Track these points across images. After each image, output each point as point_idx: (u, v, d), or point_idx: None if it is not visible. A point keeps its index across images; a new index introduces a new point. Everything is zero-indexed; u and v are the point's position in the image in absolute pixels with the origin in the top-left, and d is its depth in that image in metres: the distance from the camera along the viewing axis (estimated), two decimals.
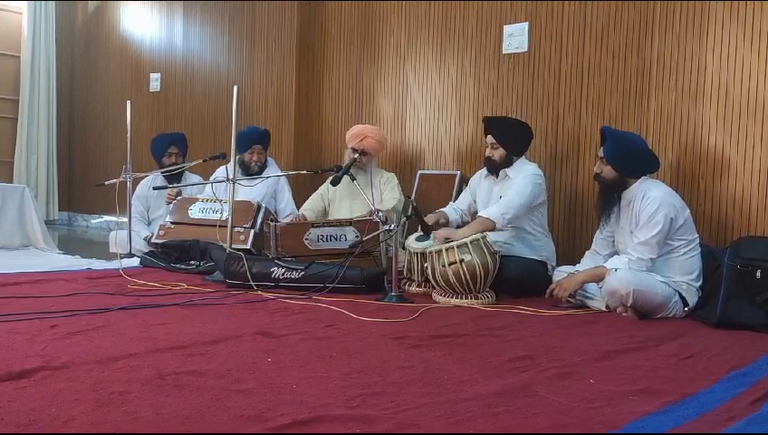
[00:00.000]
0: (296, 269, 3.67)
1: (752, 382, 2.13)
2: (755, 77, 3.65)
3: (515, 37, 4.55)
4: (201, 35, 6.52)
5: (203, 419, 1.64)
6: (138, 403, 1.73)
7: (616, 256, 3.40)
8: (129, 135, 5.03)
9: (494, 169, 3.94)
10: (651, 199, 3.27)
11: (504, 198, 3.77)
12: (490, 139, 3.94)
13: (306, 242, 3.99)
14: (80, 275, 4.06)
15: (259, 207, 4.51)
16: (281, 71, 5.81)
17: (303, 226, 4.08)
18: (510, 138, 3.91)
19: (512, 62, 4.58)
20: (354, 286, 3.58)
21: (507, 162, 3.90)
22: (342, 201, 4.61)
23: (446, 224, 3.96)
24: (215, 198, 4.58)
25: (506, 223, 3.70)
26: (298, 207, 4.85)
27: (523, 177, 3.80)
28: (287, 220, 4.58)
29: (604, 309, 3.32)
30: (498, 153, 3.91)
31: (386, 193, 4.50)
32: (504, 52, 4.61)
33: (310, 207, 4.68)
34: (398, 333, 2.67)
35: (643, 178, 3.40)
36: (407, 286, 3.80)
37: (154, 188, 5.00)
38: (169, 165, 5.09)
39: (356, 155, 4.25)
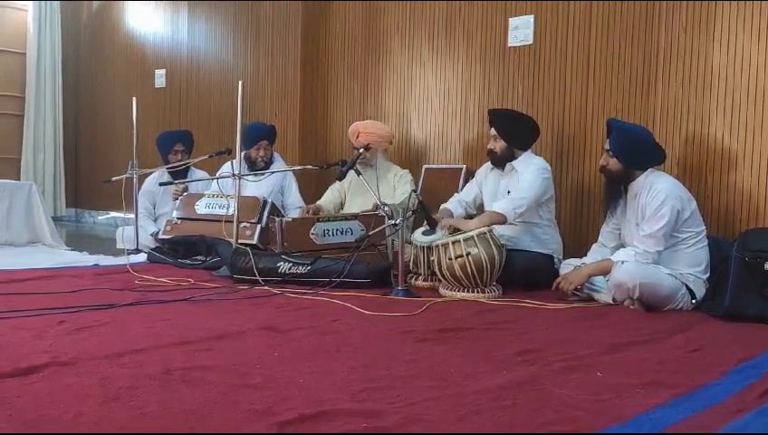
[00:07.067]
0: (302, 264, 3.68)
1: (760, 374, 2.12)
2: (762, 69, 3.62)
3: (521, 30, 4.53)
4: (206, 31, 6.52)
5: (210, 414, 1.65)
6: (145, 399, 1.74)
7: (622, 249, 3.38)
8: (134, 131, 5.04)
9: (496, 161, 3.94)
10: (657, 192, 3.26)
11: (515, 192, 3.76)
12: (493, 131, 3.94)
13: (312, 237, 3.99)
14: (87, 271, 4.07)
15: (265, 202, 4.51)
16: (285, 66, 5.80)
17: (309, 221, 4.09)
18: (511, 130, 3.90)
19: (517, 55, 4.56)
20: (360, 281, 3.58)
21: (509, 155, 3.89)
22: (354, 196, 4.66)
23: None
24: (221, 193, 4.59)
25: (517, 217, 3.70)
26: (306, 202, 4.88)
27: (532, 171, 3.79)
28: (294, 215, 4.60)
29: (611, 302, 3.31)
30: (499, 145, 3.90)
31: (398, 189, 4.54)
32: (509, 45, 4.59)
33: (329, 199, 4.75)
34: (405, 328, 2.67)
35: (649, 170, 3.38)
36: (413, 281, 3.79)
37: (160, 184, 5.01)
38: (175, 162, 5.09)
39: (361, 150, 4.24)
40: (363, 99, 5.44)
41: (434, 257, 3.55)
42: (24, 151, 7.55)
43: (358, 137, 4.52)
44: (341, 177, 3.95)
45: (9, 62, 7.51)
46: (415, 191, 3.79)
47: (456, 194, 4.22)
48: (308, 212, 4.51)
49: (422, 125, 5.09)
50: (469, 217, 4.01)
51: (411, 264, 3.82)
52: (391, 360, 2.19)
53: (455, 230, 3.64)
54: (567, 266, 3.62)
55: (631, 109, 4.06)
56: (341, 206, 4.76)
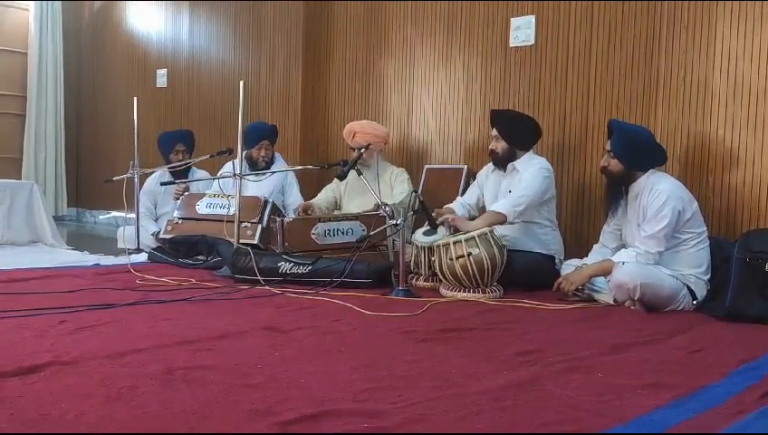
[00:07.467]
0: (303, 264, 3.68)
1: (761, 376, 2.12)
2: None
3: (522, 30, 4.53)
4: (207, 31, 6.52)
5: (211, 414, 1.65)
6: (146, 398, 1.74)
7: (623, 250, 3.38)
8: (136, 131, 5.04)
9: (497, 161, 3.95)
10: (659, 193, 3.26)
11: (515, 191, 3.76)
12: (494, 131, 3.94)
13: (313, 237, 3.99)
14: (88, 270, 4.08)
15: (266, 202, 4.51)
16: (287, 65, 5.81)
17: (310, 221, 4.09)
18: (512, 131, 3.90)
19: (518, 55, 4.56)
20: (361, 281, 3.58)
21: (510, 155, 3.90)
22: (352, 197, 4.64)
23: None
24: (222, 193, 4.59)
25: (517, 217, 3.70)
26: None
27: (533, 171, 3.79)
28: (294, 215, 4.59)
29: (612, 302, 3.31)
30: (501, 146, 3.91)
31: (396, 188, 4.53)
32: (510, 45, 4.59)
33: (322, 198, 4.74)
34: (406, 328, 2.67)
35: (650, 171, 3.38)
36: (414, 281, 3.79)
37: (161, 184, 5.01)
38: (176, 162, 5.09)
39: (363, 150, 4.24)
40: (364, 99, 5.44)
41: (435, 258, 3.55)
42: (25, 151, 7.55)
43: (354, 137, 4.51)
44: (343, 176, 3.95)
45: (10, 61, 7.52)
46: (416, 191, 3.79)
47: (458, 197, 4.22)
48: (299, 211, 4.49)
49: (423, 125, 5.09)
50: (471, 218, 4.00)
51: (412, 264, 3.82)
52: (392, 360, 2.20)
53: (456, 230, 3.64)
54: (568, 267, 3.62)
55: (633, 109, 4.06)
56: (336, 206, 4.75)
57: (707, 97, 3.80)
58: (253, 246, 4.08)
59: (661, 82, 3.97)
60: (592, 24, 4.23)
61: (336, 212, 4.66)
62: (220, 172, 4.95)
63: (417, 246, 3.75)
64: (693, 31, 3.85)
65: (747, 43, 3.66)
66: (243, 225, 4.24)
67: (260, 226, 4.37)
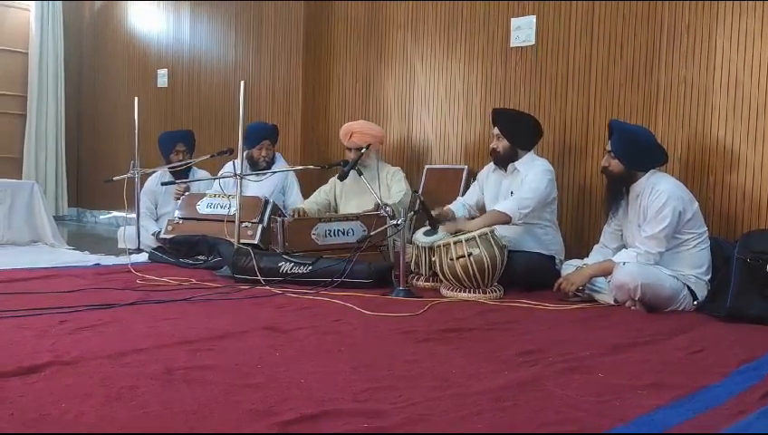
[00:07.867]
0: (304, 264, 3.68)
1: (762, 376, 2.12)
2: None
3: (523, 30, 4.53)
4: (208, 31, 6.52)
5: (211, 414, 1.65)
6: (146, 398, 1.74)
7: (624, 250, 3.38)
8: (136, 131, 5.04)
9: (499, 160, 3.94)
10: (659, 193, 3.26)
11: (519, 192, 3.75)
12: (495, 130, 3.94)
13: (314, 237, 3.99)
14: (88, 270, 4.08)
15: (267, 202, 4.51)
16: (287, 66, 5.81)
17: (311, 221, 4.09)
18: (514, 130, 3.90)
19: (519, 55, 4.56)
20: (362, 281, 3.58)
21: (511, 155, 3.89)
22: (350, 198, 4.62)
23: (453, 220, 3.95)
24: (223, 193, 4.59)
25: (522, 218, 3.69)
26: None
27: (536, 173, 3.78)
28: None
29: (612, 303, 3.30)
30: (502, 145, 3.90)
31: (393, 187, 4.52)
32: (511, 45, 4.59)
33: (313, 201, 4.69)
34: (406, 328, 2.67)
35: (651, 171, 3.38)
36: (414, 281, 3.79)
37: (162, 184, 5.01)
38: (177, 162, 5.09)
39: (363, 150, 4.24)
40: (365, 99, 5.44)
41: (435, 258, 3.55)
42: (25, 151, 7.56)
43: (351, 137, 4.49)
44: (344, 176, 3.95)
45: (11, 61, 7.52)
46: (416, 192, 3.79)
47: (459, 198, 4.21)
48: (295, 214, 4.47)
49: (424, 125, 5.09)
50: (471, 218, 4.00)
51: (413, 264, 3.82)
52: (393, 360, 2.19)
53: (457, 231, 3.64)
54: (569, 267, 3.61)
55: (634, 109, 4.06)
56: (330, 208, 4.73)
57: (707, 110, 3.80)
58: (253, 246, 4.08)
59: (663, 76, 3.96)
60: (592, 24, 4.23)
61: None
62: (221, 172, 4.95)
63: (417, 246, 3.75)
64: (693, 43, 3.85)
65: (747, 57, 3.67)
66: (243, 225, 4.24)
67: (260, 226, 4.37)
